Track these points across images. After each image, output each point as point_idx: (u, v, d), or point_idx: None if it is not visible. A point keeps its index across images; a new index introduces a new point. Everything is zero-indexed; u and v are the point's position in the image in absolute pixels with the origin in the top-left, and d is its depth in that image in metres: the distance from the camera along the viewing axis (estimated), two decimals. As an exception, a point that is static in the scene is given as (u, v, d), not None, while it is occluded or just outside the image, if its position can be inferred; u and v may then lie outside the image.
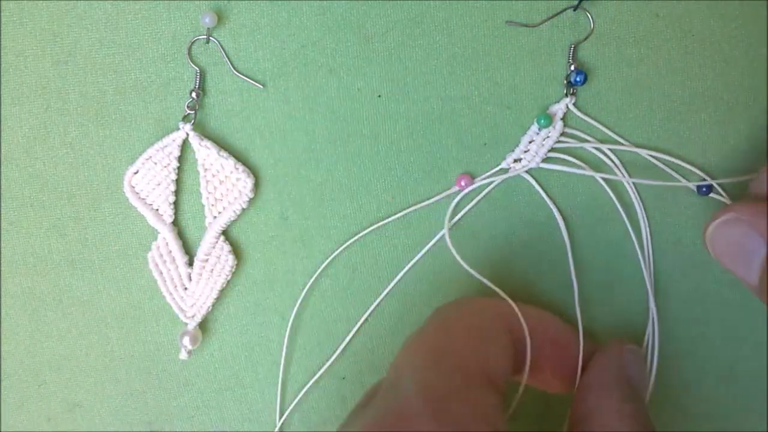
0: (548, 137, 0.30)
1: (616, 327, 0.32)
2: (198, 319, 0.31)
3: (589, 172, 0.30)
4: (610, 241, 0.32)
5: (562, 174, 0.31)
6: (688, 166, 0.31)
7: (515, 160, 0.31)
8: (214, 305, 0.31)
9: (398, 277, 0.32)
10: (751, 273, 0.26)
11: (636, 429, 0.26)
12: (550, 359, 0.29)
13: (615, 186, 0.31)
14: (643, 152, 0.30)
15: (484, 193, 0.31)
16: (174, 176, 0.31)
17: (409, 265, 0.32)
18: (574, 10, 0.30)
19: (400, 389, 0.24)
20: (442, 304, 0.29)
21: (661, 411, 0.33)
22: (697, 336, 0.32)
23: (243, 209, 0.31)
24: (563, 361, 0.29)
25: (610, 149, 0.30)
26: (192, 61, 0.30)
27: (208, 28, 0.30)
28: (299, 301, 0.32)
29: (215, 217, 0.31)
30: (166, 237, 0.31)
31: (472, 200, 0.31)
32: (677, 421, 0.33)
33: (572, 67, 0.30)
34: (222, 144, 0.31)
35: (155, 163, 0.30)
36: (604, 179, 0.31)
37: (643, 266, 0.31)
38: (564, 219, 0.31)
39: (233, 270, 0.31)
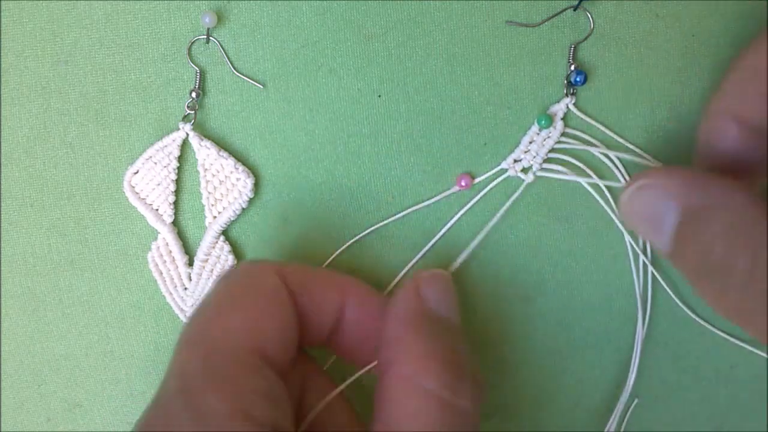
0: (549, 137, 0.30)
1: (608, 330, 0.32)
2: (198, 319, 0.31)
3: (589, 180, 0.30)
4: (609, 241, 0.32)
5: (561, 174, 0.31)
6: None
7: (515, 161, 0.31)
8: (214, 305, 0.31)
9: (398, 278, 0.32)
10: (663, 238, 0.25)
11: (446, 371, 0.24)
12: (356, 329, 0.27)
13: (614, 188, 0.31)
14: (644, 155, 0.30)
15: (512, 198, 0.31)
16: (174, 176, 0.31)
17: (410, 266, 0.32)
18: (574, 10, 0.30)
19: (165, 376, 0.24)
20: (224, 271, 0.27)
21: (661, 411, 0.33)
22: (697, 336, 0.32)
23: (243, 209, 0.31)
24: (369, 328, 0.27)
25: (616, 156, 0.30)
26: (192, 61, 0.30)
27: (208, 28, 0.30)
28: (299, 301, 0.31)
29: (215, 217, 0.31)
30: (166, 237, 0.31)
31: (472, 200, 0.31)
32: (677, 420, 0.33)
33: (572, 67, 0.30)
34: (222, 144, 0.31)
35: (155, 163, 0.30)
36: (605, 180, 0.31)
37: (639, 264, 0.31)
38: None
39: (233, 270, 0.31)
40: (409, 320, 0.26)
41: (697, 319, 0.32)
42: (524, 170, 0.31)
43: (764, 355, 0.32)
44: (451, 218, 0.31)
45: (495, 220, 0.31)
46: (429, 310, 0.26)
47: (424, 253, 0.31)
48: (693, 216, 0.24)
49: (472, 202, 0.31)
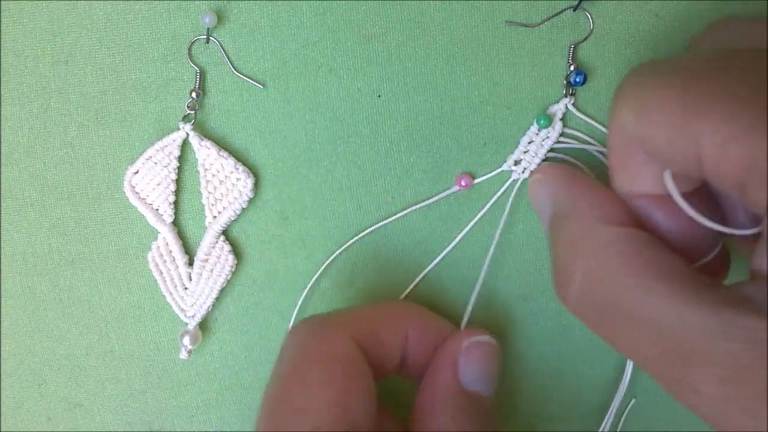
0: (548, 137, 0.30)
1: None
2: (198, 319, 0.31)
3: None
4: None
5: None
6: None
7: (515, 162, 0.31)
8: (214, 305, 0.31)
9: (410, 287, 0.32)
10: (545, 229, 0.26)
11: None
12: (419, 351, 0.28)
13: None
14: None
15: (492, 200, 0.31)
16: (174, 176, 0.31)
17: (424, 272, 0.32)
18: (574, 10, 0.30)
19: None
20: (289, 336, 0.27)
21: (659, 410, 0.33)
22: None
23: (243, 209, 0.31)
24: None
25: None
26: (192, 61, 0.30)
27: (208, 28, 0.30)
28: (299, 301, 0.32)
29: (215, 217, 0.31)
30: (166, 237, 0.31)
31: (484, 208, 0.31)
32: (676, 420, 0.33)
33: (572, 67, 0.30)
34: (222, 144, 0.31)
35: (155, 163, 0.30)
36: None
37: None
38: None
39: (233, 270, 0.31)
40: (440, 394, 0.26)
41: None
42: (524, 170, 0.31)
43: None
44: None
45: (501, 224, 0.31)
46: (464, 387, 0.27)
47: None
48: (555, 217, 0.25)
49: (484, 210, 0.31)
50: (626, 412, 0.33)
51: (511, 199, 0.31)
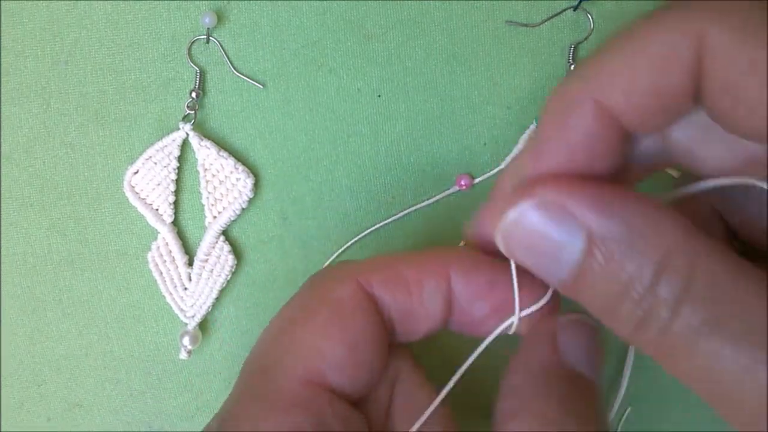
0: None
1: (605, 332, 0.32)
2: (198, 319, 0.31)
3: None
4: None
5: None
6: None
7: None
8: (214, 305, 0.31)
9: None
10: (560, 269, 0.20)
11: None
12: (468, 300, 0.24)
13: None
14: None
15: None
16: (174, 176, 0.31)
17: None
18: (574, 10, 0.30)
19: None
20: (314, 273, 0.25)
21: (655, 418, 0.33)
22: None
23: (243, 209, 0.31)
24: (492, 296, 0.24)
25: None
26: (192, 61, 0.30)
27: (208, 28, 0.30)
28: (299, 301, 0.31)
29: (215, 217, 0.31)
30: (166, 237, 0.31)
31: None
32: (675, 420, 0.33)
33: (572, 67, 0.30)
34: (222, 144, 0.31)
35: (155, 163, 0.30)
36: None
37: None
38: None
39: (233, 270, 0.31)
40: (540, 373, 0.23)
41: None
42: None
43: None
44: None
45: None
46: (566, 365, 0.23)
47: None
48: (606, 244, 0.19)
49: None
50: (622, 420, 0.32)
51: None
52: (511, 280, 0.23)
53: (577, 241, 0.20)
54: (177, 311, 0.31)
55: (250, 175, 0.30)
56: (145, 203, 0.31)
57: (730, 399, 0.18)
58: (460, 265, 0.24)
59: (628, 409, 0.33)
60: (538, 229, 0.20)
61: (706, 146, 0.21)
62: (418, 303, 0.24)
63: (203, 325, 0.32)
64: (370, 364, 0.23)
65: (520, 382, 0.23)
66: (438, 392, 0.24)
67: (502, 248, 0.22)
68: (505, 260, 0.23)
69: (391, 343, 0.24)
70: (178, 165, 0.31)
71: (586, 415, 0.21)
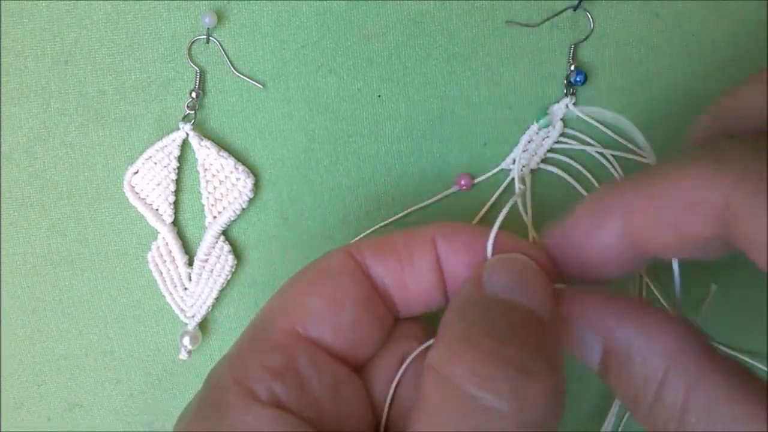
0: (547, 137, 0.30)
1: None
2: (198, 319, 0.31)
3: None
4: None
5: (561, 174, 0.31)
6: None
7: (515, 161, 0.31)
8: (214, 305, 0.31)
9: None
10: (592, 357, 0.23)
11: (477, 360, 0.20)
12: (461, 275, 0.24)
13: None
14: (643, 155, 0.30)
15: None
16: (174, 176, 0.31)
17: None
18: (574, 10, 0.30)
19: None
20: None
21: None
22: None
23: (243, 209, 0.31)
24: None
25: (612, 155, 0.30)
26: (192, 61, 0.30)
27: (208, 28, 0.30)
28: (299, 301, 0.31)
29: (215, 217, 0.31)
30: (166, 237, 0.31)
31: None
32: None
33: (572, 67, 0.30)
34: (222, 144, 0.31)
35: (155, 163, 0.30)
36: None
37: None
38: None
39: (233, 270, 0.31)
40: (458, 307, 0.22)
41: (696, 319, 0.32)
42: (523, 167, 0.31)
43: (764, 368, 0.32)
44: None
45: (499, 220, 0.30)
46: (492, 296, 0.21)
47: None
48: (622, 351, 0.22)
49: (484, 210, 0.31)
50: (626, 415, 0.32)
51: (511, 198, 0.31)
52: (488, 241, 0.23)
53: (596, 345, 0.22)
54: (177, 311, 0.31)
55: (250, 175, 0.30)
56: (145, 203, 0.31)
57: None
58: (443, 231, 0.24)
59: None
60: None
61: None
62: (410, 271, 0.24)
63: (203, 325, 0.32)
64: (356, 322, 0.24)
65: (445, 321, 0.22)
66: None
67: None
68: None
69: (397, 318, 0.25)
70: (178, 165, 0.31)
71: (504, 338, 0.20)
